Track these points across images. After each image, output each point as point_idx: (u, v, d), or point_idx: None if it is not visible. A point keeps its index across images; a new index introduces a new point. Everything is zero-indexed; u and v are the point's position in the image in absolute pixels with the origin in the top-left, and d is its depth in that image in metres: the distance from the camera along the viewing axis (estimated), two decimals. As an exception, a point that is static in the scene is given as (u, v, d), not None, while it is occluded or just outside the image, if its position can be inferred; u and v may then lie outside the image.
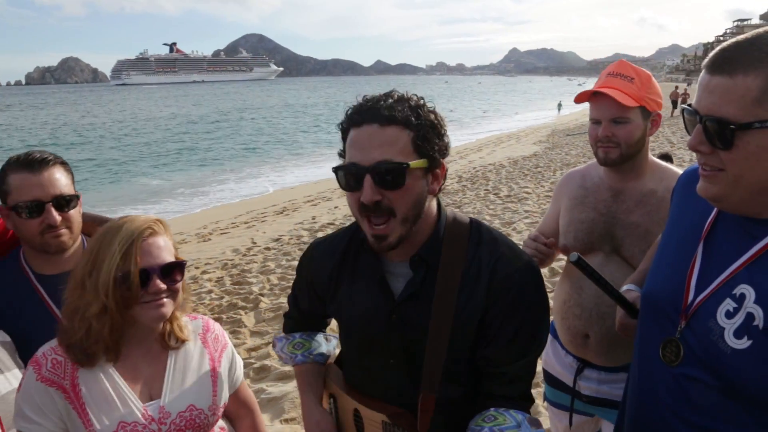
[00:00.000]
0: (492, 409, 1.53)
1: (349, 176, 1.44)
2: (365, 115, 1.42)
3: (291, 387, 4.63)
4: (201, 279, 8.03)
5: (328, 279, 1.71)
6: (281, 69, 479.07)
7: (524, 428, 1.47)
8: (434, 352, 1.51)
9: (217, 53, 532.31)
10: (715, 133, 1.19)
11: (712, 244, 1.35)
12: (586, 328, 2.23)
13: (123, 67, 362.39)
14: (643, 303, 1.51)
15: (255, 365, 5.15)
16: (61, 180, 2.00)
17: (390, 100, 1.43)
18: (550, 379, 2.51)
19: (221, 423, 1.89)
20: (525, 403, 1.56)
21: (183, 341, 1.73)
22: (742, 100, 1.15)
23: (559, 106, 51.94)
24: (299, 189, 17.69)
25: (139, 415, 1.61)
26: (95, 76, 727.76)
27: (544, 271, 3.20)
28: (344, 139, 1.50)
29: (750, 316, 1.19)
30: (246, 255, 9.28)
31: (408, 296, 1.55)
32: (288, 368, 5.00)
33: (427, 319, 1.51)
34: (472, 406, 1.57)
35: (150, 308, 1.57)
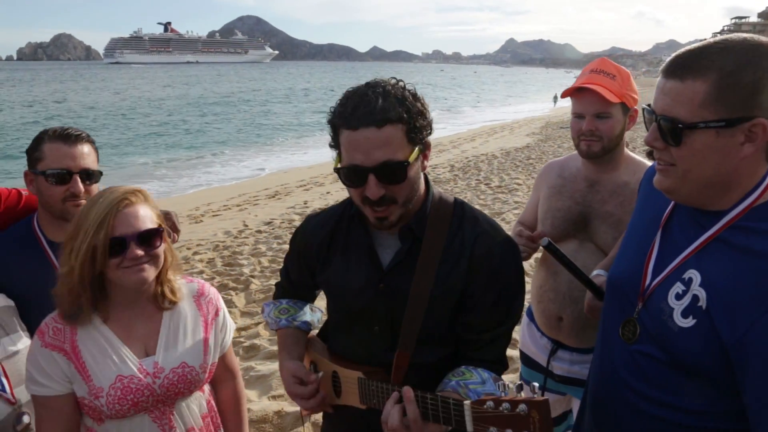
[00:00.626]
0: (463, 366, 1.66)
1: (352, 176, 1.55)
2: (361, 119, 1.49)
3: (271, 364, 4.76)
4: (192, 260, 8.10)
5: (318, 250, 1.83)
6: (276, 52, 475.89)
7: (488, 385, 1.59)
8: (412, 315, 1.64)
9: (212, 34, 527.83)
10: (668, 131, 1.31)
11: (669, 233, 1.47)
12: (560, 311, 2.36)
13: (116, 46, 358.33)
14: (608, 286, 1.64)
15: (244, 344, 5.28)
16: (90, 156, 2.18)
17: (380, 100, 1.50)
18: (525, 359, 2.65)
19: (213, 397, 2.02)
20: (497, 366, 1.68)
21: (174, 303, 1.85)
22: (690, 102, 1.27)
23: (555, 98, 51.95)
24: (292, 173, 17.72)
25: (135, 370, 1.74)
26: (88, 53, 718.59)
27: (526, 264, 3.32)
28: (335, 134, 1.59)
29: (695, 298, 1.32)
30: (237, 237, 9.37)
31: (395, 265, 1.67)
32: (276, 347, 5.13)
33: (409, 290, 1.64)
34: (446, 372, 1.69)
35: (131, 273, 1.68)
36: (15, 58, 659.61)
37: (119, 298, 1.77)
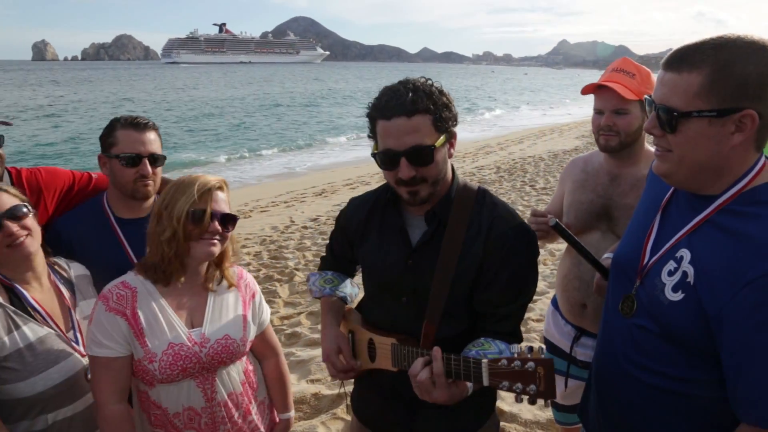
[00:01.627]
0: (482, 338, 1.83)
1: (386, 159, 1.76)
2: (393, 110, 1.72)
3: (317, 352, 4.97)
4: (240, 253, 8.38)
5: (357, 227, 2.05)
6: (327, 53, 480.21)
7: (505, 355, 1.75)
8: (438, 292, 1.82)
9: (265, 35, 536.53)
10: (665, 119, 1.43)
11: (667, 216, 1.60)
12: (584, 298, 2.48)
13: (173, 46, 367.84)
14: (612, 265, 1.77)
15: (286, 331, 5.52)
16: (156, 141, 2.43)
17: (410, 94, 1.72)
18: (550, 346, 2.76)
19: (250, 366, 2.23)
20: (512, 338, 1.84)
21: (232, 286, 2.11)
22: (685, 93, 1.39)
23: None
24: (339, 172, 18.01)
25: (185, 339, 1.97)
26: (147, 53, 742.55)
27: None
28: (372, 125, 1.81)
29: (685, 274, 1.44)
30: (284, 232, 9.65)
31: (422, 244, 1.86)
32: (316, 335, 5.34)
33: (435, 264, 1.82)
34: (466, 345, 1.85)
35: (205, 244, 1.93)
36: (80, 58, 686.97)
37: (182, 273, 2.01)
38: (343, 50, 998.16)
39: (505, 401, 4.16)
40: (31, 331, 1.97)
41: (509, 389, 1.46)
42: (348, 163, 20.20)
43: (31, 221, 2.05)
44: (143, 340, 1.93)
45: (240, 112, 40.37)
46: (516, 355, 1.48)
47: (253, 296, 2.21)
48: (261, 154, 22.63)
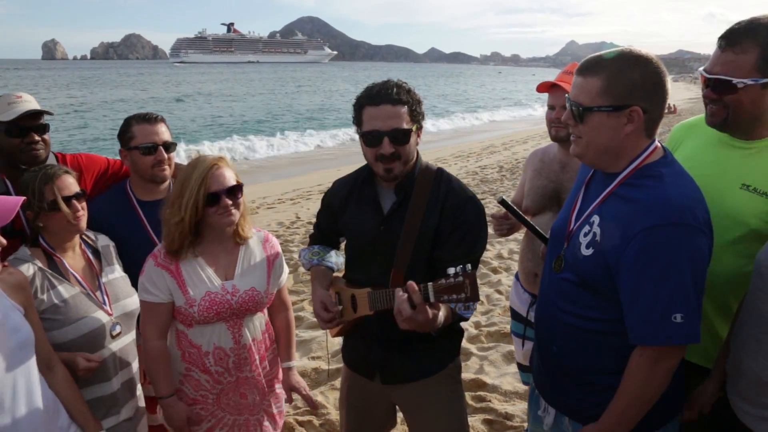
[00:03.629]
0: None
1: (372, 138, 2.21)
2: (381, 98, 2.20)
3: (319, 333, 5.41)
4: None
5: (340, 202, 2.50)
6: (335, 53, 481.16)
7: None
8: (404, 249, 2.27)
9: (273, 35, 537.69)
10: (575, 112, 1.85)
11: (588, 191, 2.02)
12: (536, 267, 2.89)
13: (182, 46, 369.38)
14: (550, 234, 2.18)
15: (291, 316, 5.95)
16: (166, 132, 2.86)
17: (395, 88, 2.21)
18: (513, 314, 3.19)
19: (265, 317, 2.68)
20: None
21: (246, 238, 2.53)
22: (589, 93, 1.81)
23: None
24: (344, 171, 18.33)
25: (219, 288, 2.43)
26: (155, 53, 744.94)
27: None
28: (358, 112, 2.27)
29: (594, 234, 1.85)
30: (290, 228, 10.08)
31: (392, 212, 2.31)
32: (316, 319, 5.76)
33: (402, 228, 2.27)
34: None
35: (223, 217, 2.36)
36: (89, 57, 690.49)
37: (211, 236, 2.46)
38: (350, 50, 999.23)
39: (489, 375, 4.57)
40: (65, 290, 2.39)
41: (449, 301, 1.84)
42: (353, 164, 20.50)
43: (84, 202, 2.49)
44: (185, 288, 2.40)
45: (253, 107, 40.82)
46: (450, 275, 1.85)
47: (276, 256, 2.65)
48: (269, 150, 22.83)
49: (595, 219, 1.88)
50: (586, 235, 1.89)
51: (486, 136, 26.76)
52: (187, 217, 2.31)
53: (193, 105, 45.62)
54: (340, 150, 23.23)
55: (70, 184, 2.42)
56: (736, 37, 1.97)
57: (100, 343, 2.46)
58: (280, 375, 2.75)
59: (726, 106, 2.05)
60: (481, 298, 6.18)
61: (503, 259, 7.77)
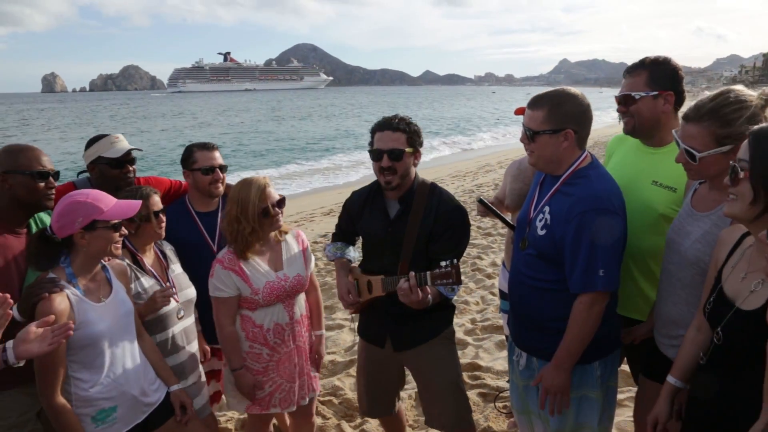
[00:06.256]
0: None
1: (375, 154, 2.97)
2: (385, 126, 2.98)
3: (330, 333, 6.09)
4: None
5: (357, 208, 3.23)
6: (331, 78, 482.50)
7: None
8: (407, 246, 2.99)
9: (269, 62, 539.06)
10: (528, 135, 2.56)
11: (542, 189, 2.72)
12: None
13: (179, 76, 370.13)
14: (516, 223, 2.88)
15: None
16: (220, 157, 3.59)
17: (397, 120, 2.97)
18: (502, 294, 3.88)
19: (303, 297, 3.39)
20: None
21: (285, 232, 3.23)
22: (537, 120, 2.53)
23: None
24: (346, 193, 18.85)
25: (275, 278, 3.13)
26: (153, 83, 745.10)
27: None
28: (372, 136, 3.03)
29: (546, 219, 2.57)
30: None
31: (396, 218, 3.04)
32: (329, 322, 6.42)
33: (405, 230, 3.00)
34: None
35: (276, 223, 3.08)
36: (88, 89, 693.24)
37: (262, 239, 3.15)
38: (346, 75, 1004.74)
39: (483, 360, 5.24)
40: (145, 281, 3.05)
41: (441, 284, 2.64)
42: (355, 184, 21.08)
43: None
44: (249, 282, 3.08)
45: (252, 133, 41.63)
46: (442, 267, 2.63)
47: (307, 248, 3.35)
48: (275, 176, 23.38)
49: (547, 209, 2.59)
50: (540, 220, 2.59)
51: (481, 154, 27.48)
52: (258, 225, 3.01)
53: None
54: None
55: (157, 201, 3.12)
56: (632, 69, 2.83)
57: (170, 324, 3.12)
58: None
59: (632, 116, 2.81)
60: (477, 299, 6.93)
61: (496, 267, 8.44)
